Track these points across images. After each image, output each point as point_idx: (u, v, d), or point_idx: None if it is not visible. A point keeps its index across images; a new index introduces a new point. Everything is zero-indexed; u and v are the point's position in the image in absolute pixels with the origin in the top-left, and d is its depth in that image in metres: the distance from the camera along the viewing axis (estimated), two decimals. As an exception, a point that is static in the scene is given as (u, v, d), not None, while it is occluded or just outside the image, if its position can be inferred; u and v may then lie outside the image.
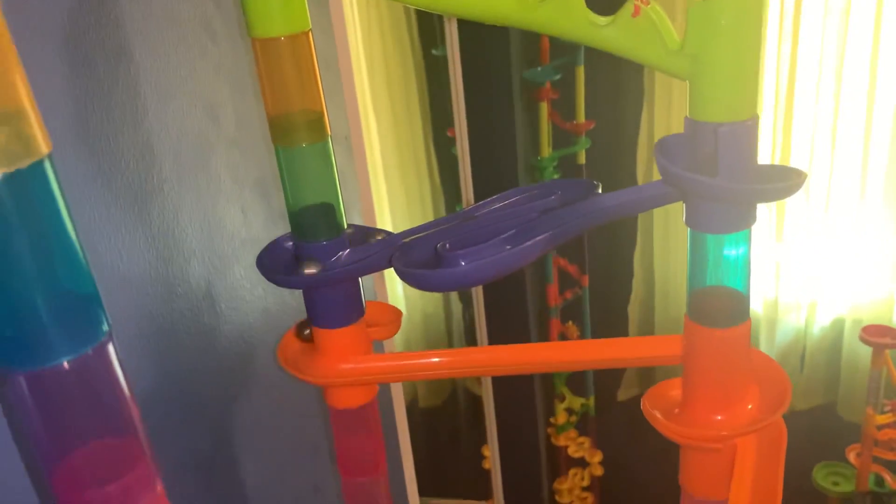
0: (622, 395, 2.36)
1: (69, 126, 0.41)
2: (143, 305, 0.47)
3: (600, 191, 0.46)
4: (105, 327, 0.26)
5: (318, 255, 0.45)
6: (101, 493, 0.25)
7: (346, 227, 0.46)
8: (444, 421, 2.42)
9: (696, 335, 0.44)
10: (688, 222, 0.42)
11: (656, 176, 1.79)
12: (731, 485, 0.43)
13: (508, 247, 0.39)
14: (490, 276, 0.39)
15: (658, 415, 0.46)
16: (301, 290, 0.47)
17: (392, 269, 0.42)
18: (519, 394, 2.07)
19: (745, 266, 0.42)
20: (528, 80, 1.81)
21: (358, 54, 1.78)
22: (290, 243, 0.47)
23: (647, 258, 2.22)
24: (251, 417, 0.58)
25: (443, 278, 0.38)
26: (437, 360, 0.48)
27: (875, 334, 1.71)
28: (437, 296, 2.17)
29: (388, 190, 1.97)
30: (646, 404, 0.47)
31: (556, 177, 1.94)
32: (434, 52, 1.81)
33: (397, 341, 2.15)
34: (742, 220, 0.40)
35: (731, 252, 0.41)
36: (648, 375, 2.33)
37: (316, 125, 0.43)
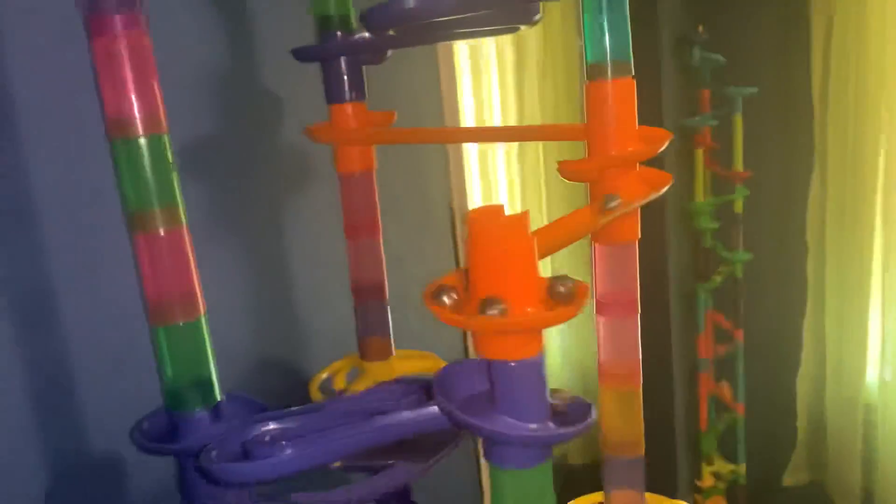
0: (788, 479, 2.19)
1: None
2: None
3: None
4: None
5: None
6: None
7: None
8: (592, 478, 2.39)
9: (595, 91, 0.55)
10: None
11: (829, 236, 1.86)
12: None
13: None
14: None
15: (569, 164, 0.57)
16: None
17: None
18: (661, 449, 2.03)
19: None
20: (686, 126, 1.90)
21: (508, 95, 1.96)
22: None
23: (818, 330, 2.11)
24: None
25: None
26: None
27: None
28: (586, 344, 2.22)
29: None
30: (561, 169, 0.58)
31: (713, 225, 1.96)
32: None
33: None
34: None
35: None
36: (819, 461, 2.16)
37: None
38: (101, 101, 0.46)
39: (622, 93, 0.55)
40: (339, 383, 0.76)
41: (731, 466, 2.07)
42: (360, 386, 0.69)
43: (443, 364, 0.71)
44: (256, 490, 0.52)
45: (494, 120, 1.96)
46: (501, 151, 1.98)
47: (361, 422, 0.45)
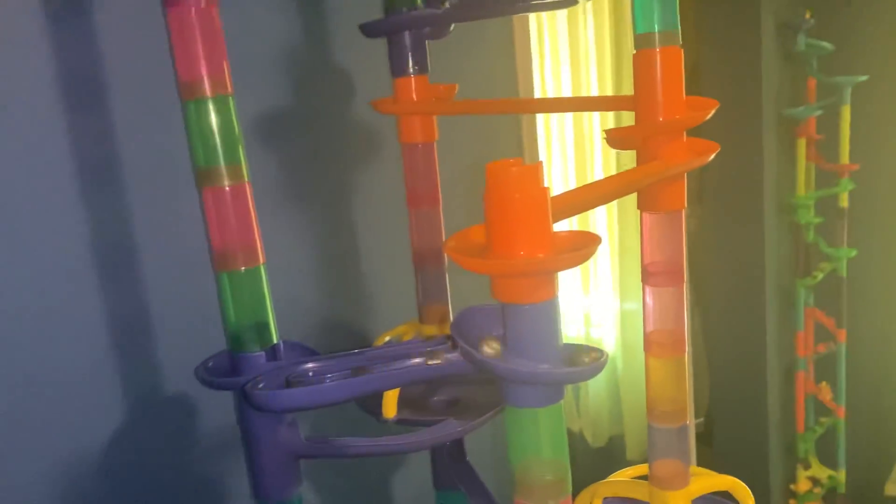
0: (891, 488, 2.07)
1: None
2: None
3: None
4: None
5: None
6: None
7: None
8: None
9: (643, 60, 0.56)
10: None
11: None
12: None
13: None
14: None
15: (616, 132, 0.58)
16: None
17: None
18: (754, 450, 1.96)
19: None
20: (788, 117, 1.83)
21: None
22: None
23: (930, 332, 1.98)
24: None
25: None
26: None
27: None
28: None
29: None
30: (607, 137, 0.59)
31: (815, 220, 1.88)
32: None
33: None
34: None
35: None
36: (929, 474, 2.03)
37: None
38: (174, 65, 0.51)
39: (670, 61, 0.55)
40: (404, 348, 0.79)
41: (829, 472, 1.97)
42: (418, 348, 0.73)
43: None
44: (308, 433, 0.56)
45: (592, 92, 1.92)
46: (597, 124, 1.95)
47: (388, 363, 0.48)
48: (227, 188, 0.53)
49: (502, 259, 0.39)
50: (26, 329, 0.53)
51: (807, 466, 1.98)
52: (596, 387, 2.20)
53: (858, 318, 1.93)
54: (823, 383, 1.96)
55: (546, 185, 0.40)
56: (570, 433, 2.11)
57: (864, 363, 1.97)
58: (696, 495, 0.64)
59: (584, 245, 0.40)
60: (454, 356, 0.47)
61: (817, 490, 1.97)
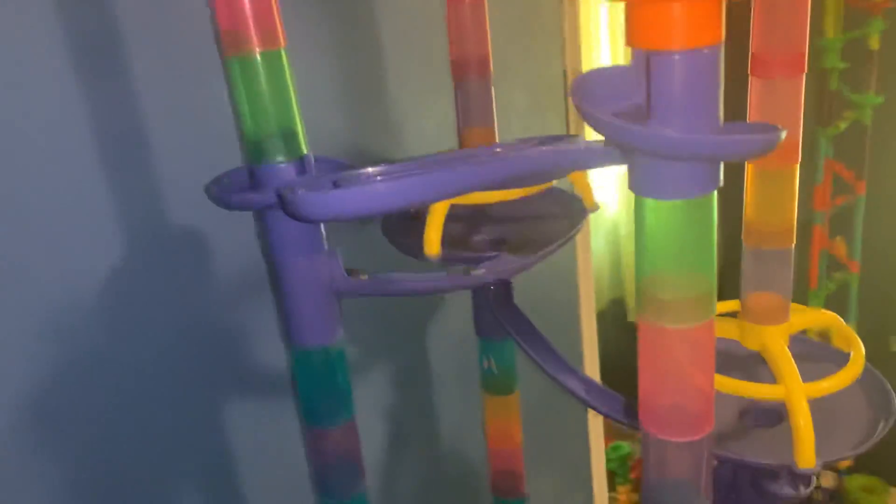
0: (897, 343, 2.06)
1: None
2: None
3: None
4: None
5: None
6: None
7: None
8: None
9: None
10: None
11: None
12: None
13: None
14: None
15: None
16: None
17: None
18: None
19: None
20: (818, -51, 1.67)
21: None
22: None
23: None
24: None
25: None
26: None
27: None
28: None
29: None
30: None
31: (840, 65, 1.76)
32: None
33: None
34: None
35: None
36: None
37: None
38: None
39: None
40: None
41: (838, 327, 1.95)
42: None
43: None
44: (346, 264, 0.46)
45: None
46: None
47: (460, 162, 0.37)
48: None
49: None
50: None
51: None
52: (596, 248, 2.13)
53: (880, 171, 1.85)
54: (838, 238, 1.90)
55: None
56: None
57: (881, 218, 1.90)
58: (794, 331, 0.56)
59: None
60: (546, 150, 0.36)
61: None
